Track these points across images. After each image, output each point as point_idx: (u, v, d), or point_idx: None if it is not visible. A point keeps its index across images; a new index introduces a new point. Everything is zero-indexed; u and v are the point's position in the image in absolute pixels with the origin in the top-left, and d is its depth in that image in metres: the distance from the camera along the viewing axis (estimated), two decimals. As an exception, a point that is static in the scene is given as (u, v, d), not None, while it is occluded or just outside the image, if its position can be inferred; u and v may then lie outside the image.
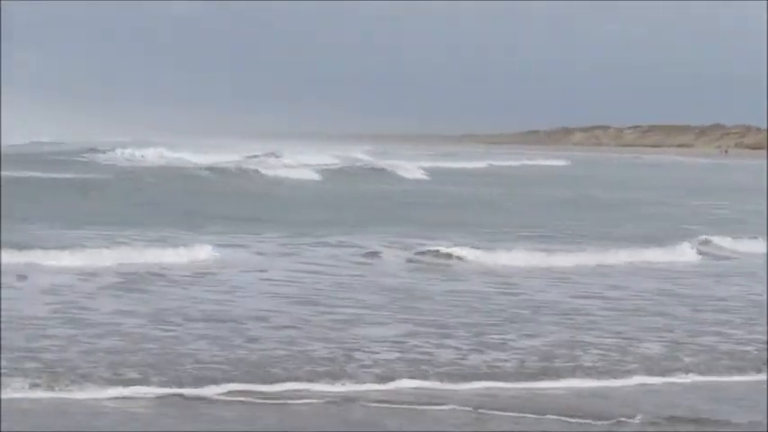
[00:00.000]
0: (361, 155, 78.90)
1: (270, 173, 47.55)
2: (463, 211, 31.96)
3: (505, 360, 11.73)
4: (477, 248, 20.49)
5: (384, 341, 12.47)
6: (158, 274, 17.00)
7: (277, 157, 61.58)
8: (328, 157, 66.93)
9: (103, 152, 62.57)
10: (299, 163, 57.38)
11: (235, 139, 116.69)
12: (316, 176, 47.67)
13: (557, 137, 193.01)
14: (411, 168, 55.39)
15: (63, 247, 18.55)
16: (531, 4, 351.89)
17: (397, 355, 11.81)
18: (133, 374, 10.45)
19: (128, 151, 62.54)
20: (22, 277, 16.28)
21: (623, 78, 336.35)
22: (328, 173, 49.99)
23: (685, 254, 21.44)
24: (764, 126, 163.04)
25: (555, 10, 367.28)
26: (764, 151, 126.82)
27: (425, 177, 53.11)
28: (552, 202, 37.43)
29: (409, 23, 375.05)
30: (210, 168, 47.61)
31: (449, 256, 19.90)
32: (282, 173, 48.17)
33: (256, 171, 47.45)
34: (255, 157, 61.64)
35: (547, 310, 14.95)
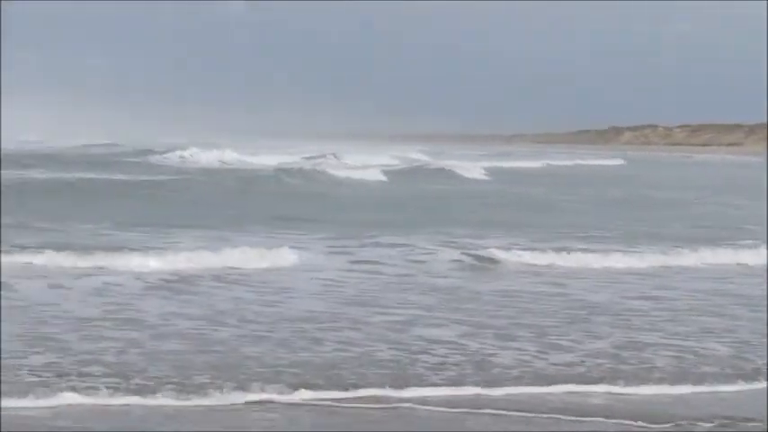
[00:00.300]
0: (417, 155, 78.59)
1: (337, 173, 47.54)
2: (523, 212, 31.87)
3: (574, 363, 11.71)
4: (537, 250, 20.40)
5: (447, 342, 12.48)
6: (227, 275, 17.07)
7: (337, 157, 61.41)
8: (387, 157, 66.63)
9: (161, 154, 62.85)
10: (361, 164, 57.30)
11: (280, 140, 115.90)
12: (382, 177, 47.66)
13: (608, 136, 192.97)
14: (472, 168, 55.18)
15: (132, 249, 18.67)
16: (574, 5, 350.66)
17: (462, 357, 11.74)
18: (202, 379, 10.46)
19: (187, 153, 62.53)
20: (74, 278, 16.41)
21: (671, 77, 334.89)
22: (392, 174, 49.88)
23: None
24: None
25: (589, 11, 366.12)
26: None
27: (486, 177, 53.00)
28: (616, 203, 37.16)
29: (450, 24, 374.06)
30: (278, 170, 47.56)
31: (506, 257, 19.78)
32: (349, 174, 48.15)
33: (323, 172, 47.35)
34: (312, 158, 61.08)
35: (612, 312, 14.89)
